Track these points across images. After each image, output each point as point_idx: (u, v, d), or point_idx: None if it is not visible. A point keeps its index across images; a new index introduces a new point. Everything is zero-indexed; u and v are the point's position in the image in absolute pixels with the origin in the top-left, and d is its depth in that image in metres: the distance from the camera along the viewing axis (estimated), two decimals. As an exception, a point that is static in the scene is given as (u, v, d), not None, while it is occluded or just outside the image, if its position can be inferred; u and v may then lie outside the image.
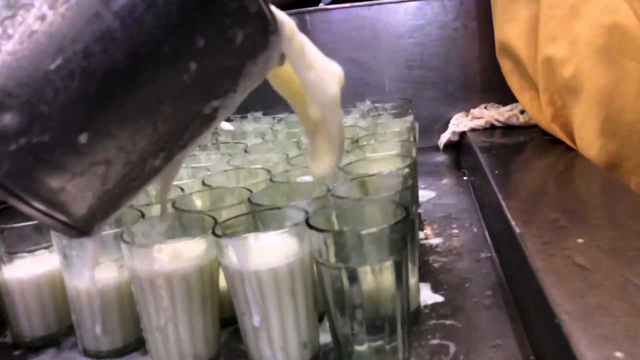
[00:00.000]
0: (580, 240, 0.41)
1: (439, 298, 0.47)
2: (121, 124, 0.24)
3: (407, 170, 0.47)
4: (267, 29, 0.26)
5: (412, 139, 0.61)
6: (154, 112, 0.24)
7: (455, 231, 0.62)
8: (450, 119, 0.99)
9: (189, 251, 0.39)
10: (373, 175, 0.47)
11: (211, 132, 0.29)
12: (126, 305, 0.42)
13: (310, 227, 0.36)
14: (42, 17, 0.22)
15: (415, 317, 0.44)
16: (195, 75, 0.25)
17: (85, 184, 0.24)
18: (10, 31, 0.22)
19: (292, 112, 0.91)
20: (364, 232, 0.36)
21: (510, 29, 0.75)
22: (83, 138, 0.23)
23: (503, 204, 0.53)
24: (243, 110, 0.94)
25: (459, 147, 0.95)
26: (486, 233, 0.60)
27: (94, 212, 0.26)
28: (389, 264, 0.36)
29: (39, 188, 0.24)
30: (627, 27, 0.56)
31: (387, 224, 0.35)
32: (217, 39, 0.25)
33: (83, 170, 0.24)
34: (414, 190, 0.45)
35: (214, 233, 0.38)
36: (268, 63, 0.28)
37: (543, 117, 0.74)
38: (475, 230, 0.62)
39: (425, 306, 0.46)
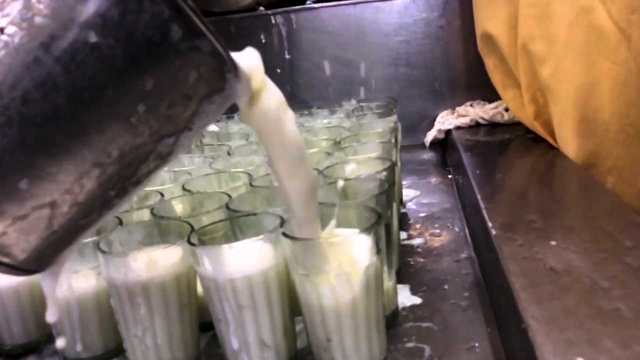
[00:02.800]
0: (553, 243, 0.42)
1: (417, 300, 0.48)
2: (65, 168, 0.23)
3: (384, 173, 0.48)
4: (224, 68, 0.25)
5: (393, 140, 0.62)
6: (100, 155, 0.24)
7: (437, 231, 0.62)
8: (437, 116, 0.99)
9: (165, 259, 0.39)
10: (351, 179, 0.47)
11: (169, 164, 0.28)
12: (105, 313, 0.42)
13: (285, 235, 0.37)
14: None
15: (392, 319, 0.44)
16: (144, 116, 0.24)
17: (29, 227, 0.24)
18: None
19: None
20: (337, 239, 0.36)
21: (491, 26, 0.75)
22: (23, 184, 0.23)
23: (482, 204, 0.53)
24: (230, 111, 0.94)
25: (445, 144, 0.96)
26: (467, 233, 0.61)
27: (41, 253, 0.25)
28: (361, 269, 0.36)
29: None
30: (602, 27, 0.57)
31: (356, 231, 0.35)
32: (167, 80, 0.24)
33: (25, 214, 0.23)
34: (390, 193, 0.46)
35: (189, 241, 0.38)
36: (226, 101, 0.27)
37: (526, 115, 0.75)
38: (456, 230, 0.62)
39: (404, 308, 0.46)
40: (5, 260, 0.25)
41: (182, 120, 0.25)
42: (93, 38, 0.22)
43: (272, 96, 0.30)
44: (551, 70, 0.63)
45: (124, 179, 0.25)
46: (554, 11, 0.61)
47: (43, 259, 0.26)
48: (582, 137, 0.60)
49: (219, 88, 0.26)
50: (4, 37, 0.22)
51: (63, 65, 0.22)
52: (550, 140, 0.71)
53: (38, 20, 0.22)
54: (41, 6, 0.22)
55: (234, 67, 0.26)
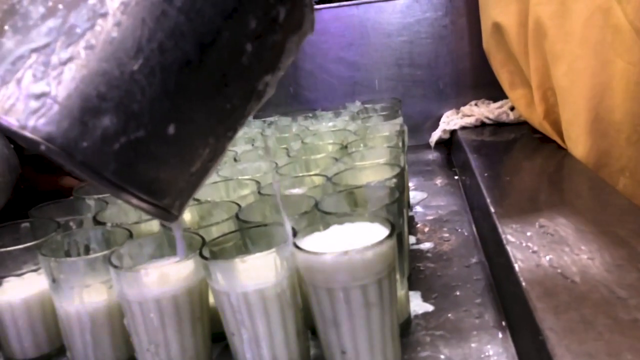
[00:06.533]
0: (566, 249, 0.41)
1: (429, 307, 0.47)
2: (199, 110, 0.26)
3: (394, 180, 0.48)
4: (303, 2, 0.28)
5: (400, 144, 0.61)
6: (223, 96, 0.27)
7: (446, 235, 0.62)
8: (441, 116, 0.99)
9: (177, 273, 0.39)
10: (361, 187, 0.47)
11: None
12: (117, 327, 0.42)
13: (297, 247, 0.36)
14: (118, 24, 0.24)
15: (405, 328, 0.44)
16: (251, 55, 0.27)
17: (177, 170, 0.27)
18: (93, 41, 0.24)
19: (282, 114, 0.91)
20: (350, 251, 0.36)
21: (501, 22, 0.74)
22: (171, 129, 0.25)
23: (492, 209, 0.53)
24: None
25: (450, 144, 0.95)
26: (476, 236, 0.60)
27: (183, 195, 0.28)
28: (374, 281, 0.36)
29: (142, 180, 0.26)
30: (618, 27, 0.56)
31: (370, 244, 0.35)
32: (265, 18, 0.27)
33: (174, 157, 0.26)
34: (401, 201, 0.45)
35: (201, 255, 0.38)
36: (302, 38, 0.30)
37: (534, 114, 0.74)
38: (465, 233, 0.62)
39: (416, 316, 0.46)
40: (161, 203, 0.27)
41: (275, 57, 0.28)
42: None
43: None
44: (565, 68, 0.62)
45: (237, 119, 0.28)
46: (569, 9, 0.61)
47: (183, 201, 0.28)
48: (594, 137, 0.60)
49: (299, 23, 0.29)
50: None
51: (185, 14, 0.25)
52: (559, 141, 0.70)
53: None
54: None
55: (310, 1, 0.29)
